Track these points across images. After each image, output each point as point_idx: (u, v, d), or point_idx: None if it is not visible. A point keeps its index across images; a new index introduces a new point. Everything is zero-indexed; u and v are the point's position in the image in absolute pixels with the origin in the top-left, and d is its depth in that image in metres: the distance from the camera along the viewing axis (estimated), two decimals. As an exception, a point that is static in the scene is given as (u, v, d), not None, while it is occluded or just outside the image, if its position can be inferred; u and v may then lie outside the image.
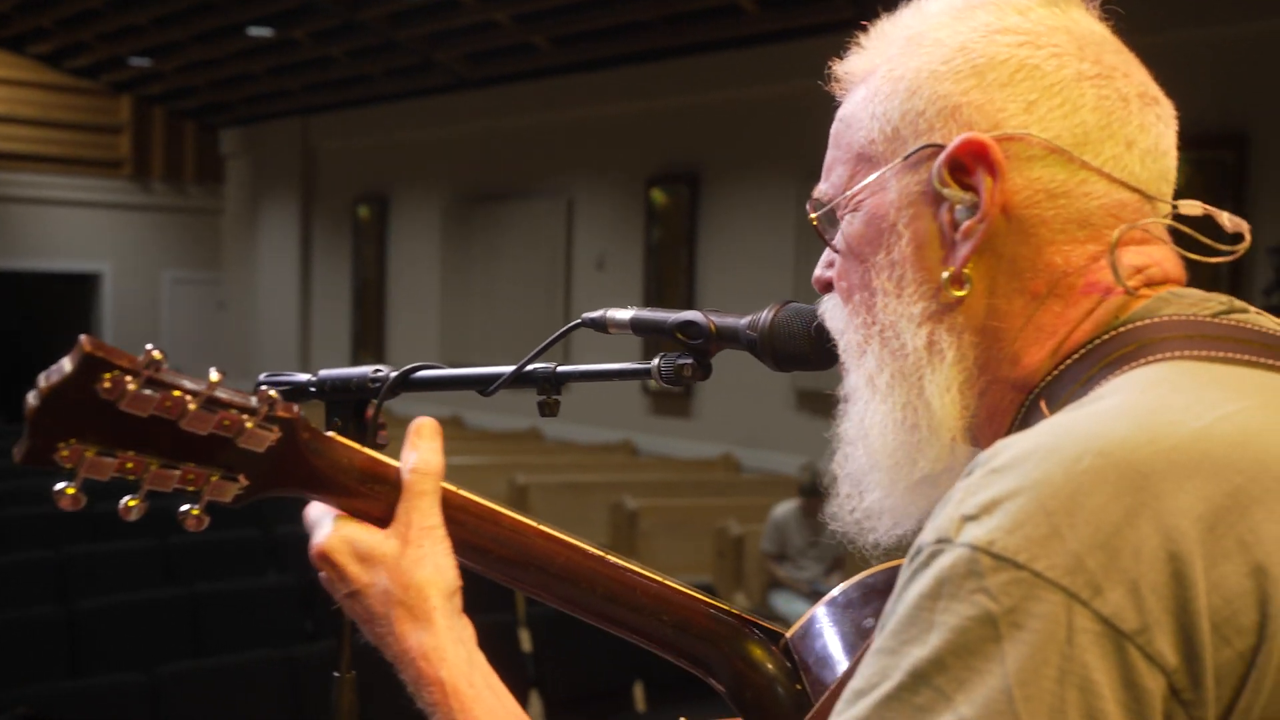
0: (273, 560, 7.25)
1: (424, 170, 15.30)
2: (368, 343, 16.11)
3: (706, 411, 12.00)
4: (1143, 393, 0.80)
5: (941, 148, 0.92)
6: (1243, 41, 8.34)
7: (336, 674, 1.40)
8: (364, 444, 1.41)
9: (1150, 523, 0.73)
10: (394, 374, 1.35)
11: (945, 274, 0.92)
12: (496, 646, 1.21)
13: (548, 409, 1.23)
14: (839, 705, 0.79)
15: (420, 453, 1.16)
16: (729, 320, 1.18)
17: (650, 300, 12.53)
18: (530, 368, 1.25)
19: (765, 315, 1.16)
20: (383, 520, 1.15)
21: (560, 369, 1.24)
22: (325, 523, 1.16)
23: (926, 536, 0.78)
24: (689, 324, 1.18)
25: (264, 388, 1.06)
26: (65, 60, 16.94)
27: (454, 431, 13.45)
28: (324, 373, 1.42)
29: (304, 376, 1.46)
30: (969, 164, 0.91)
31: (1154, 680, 0.71)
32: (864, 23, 1.01)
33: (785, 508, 7.95)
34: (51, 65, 17.10)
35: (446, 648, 1.11)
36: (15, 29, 15.99)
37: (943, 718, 0.73)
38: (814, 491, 7.83)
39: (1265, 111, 8.31)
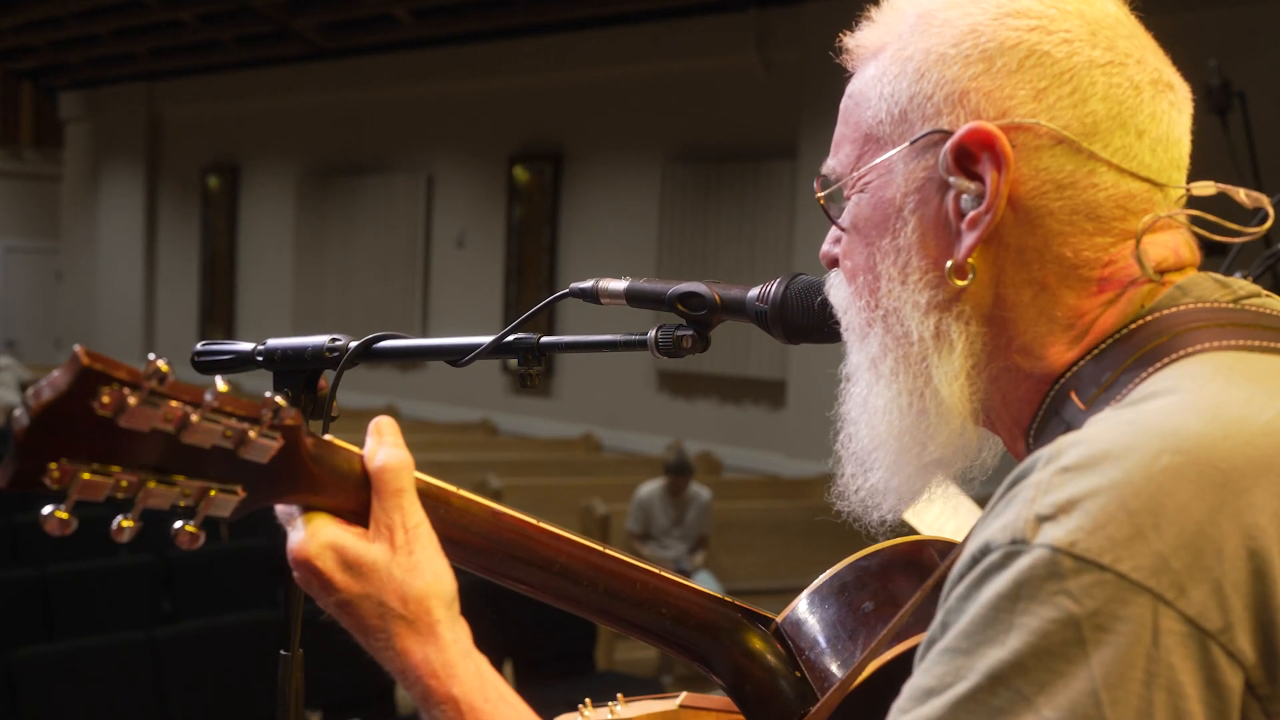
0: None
1: (278, 141, 14.91)
2: (217, 317, 15.66)
3: (566, 391, 11.99)
4: (1202, 387, 0.80)
5: (949, 134, 0.91)
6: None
7: (285, 652, 1.36)
8: (317, 416, 1.38)
9: (1231, 520, 0.73)
10: (354, 344, 1.31)
11: (949, 263, 0.91)
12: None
13: (529, 381, 1.20)
14: (900, 702, 0.78)
15: (388, 448, 1.09)
16: (734, 292, 1.17)
17: (510, 279, 12.45)
18: (510, 338, 1.22)
19: (776, 288, 1.15)
20: (356, 514, 1.08)
21: (544, 340, 1.21)
22: (300, 523, 1.07)
23: (996, 536, 0.76)
24: (691, 295, 1.16)
25: (269, 394, 0.98)
26: (-110, 14, 16.05)
27: (307, 409, 13.14)
28: (273, 342, 1.37)
29: (247, 345, 1.40)
30: (976, 153, 0.89)
31: (1234, 677, 0.72)
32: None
33: (650, 487, 7.99)
34: (-126, 19, 16.19)
35: (456, 662, 1.04)
36: None
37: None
38: (679, 471, 7.89)
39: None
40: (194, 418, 0.92)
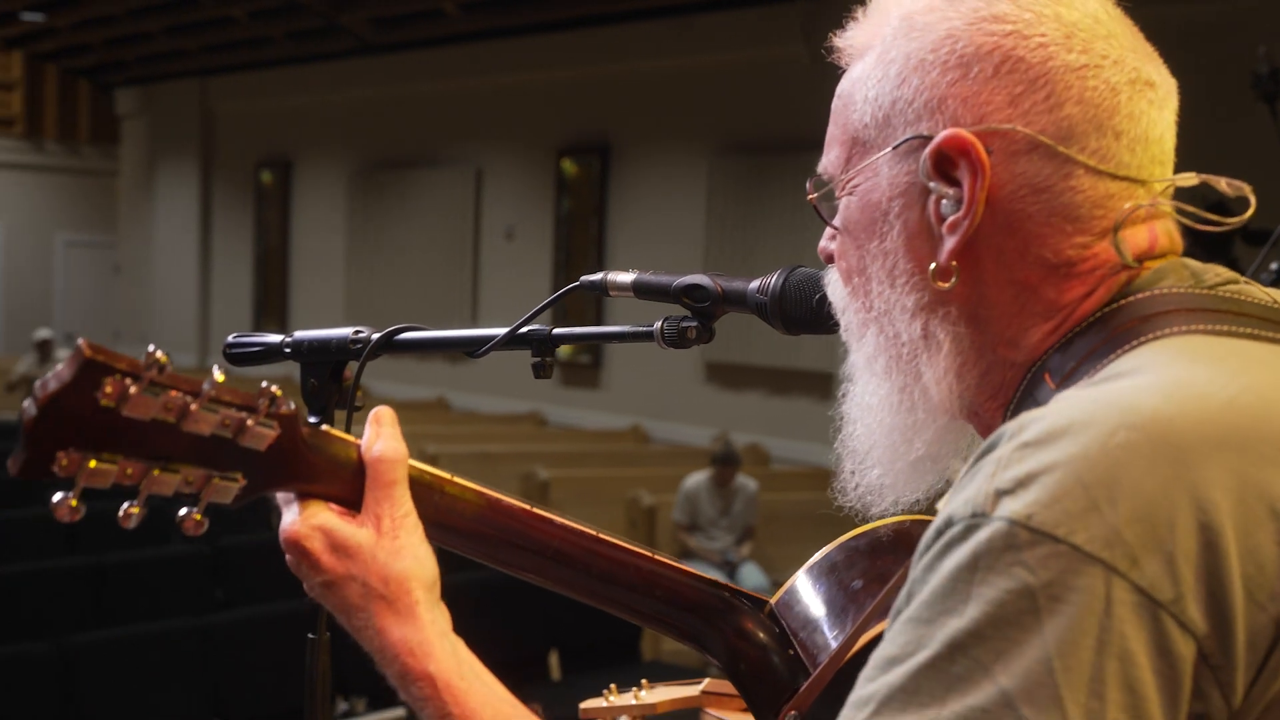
0: (178, 529, 7.12)
1: (329, 136, 15.05)
2: (270, 310, 15.84)
3: (615, 383, 12.03)
4: (1165, 367, 0.82)
5: (928, 140, 0.92)
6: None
7: (311, 635, 1.39)
8: (343, 405, 1.41)
9: (1184, 494, 0.75)
10: (377, 335, 1.34)
11: (932, 266, 0.93)
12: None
13: (543, 371, 1.23)
14: (867, 670, 0.80)
15: (384, 440, 1.13)
16: (736, 284, 1.19)
17: (559, 271, 12.50)
18: (525, 329, 1.25)
19: (776, 279, 1.17)
20: (350, 501, 1.13)
21: (556, 331, 1.24)
22: (293, 506, 1.12)
23: (958, 510, 0.79)
24: (695, 287, 1.19)
25: (265, 384, 1.01)
26: (-48, 14, 16.35)
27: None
28: (300, 334, 1.40)
29: (276, 337, 1.44)
30: (954, 159, 0.91)
31: (1186, 646, 0.74)
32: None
33: (696, 478, 8.01)
34: (-63, 19, 16.49)
35: (432, 641, 1.08)
36: (-101, -21, 15.36)
37: (981, 687, 0.74)
38: (726, 461, 7.90)
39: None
40: (193, 406, 0.96)
